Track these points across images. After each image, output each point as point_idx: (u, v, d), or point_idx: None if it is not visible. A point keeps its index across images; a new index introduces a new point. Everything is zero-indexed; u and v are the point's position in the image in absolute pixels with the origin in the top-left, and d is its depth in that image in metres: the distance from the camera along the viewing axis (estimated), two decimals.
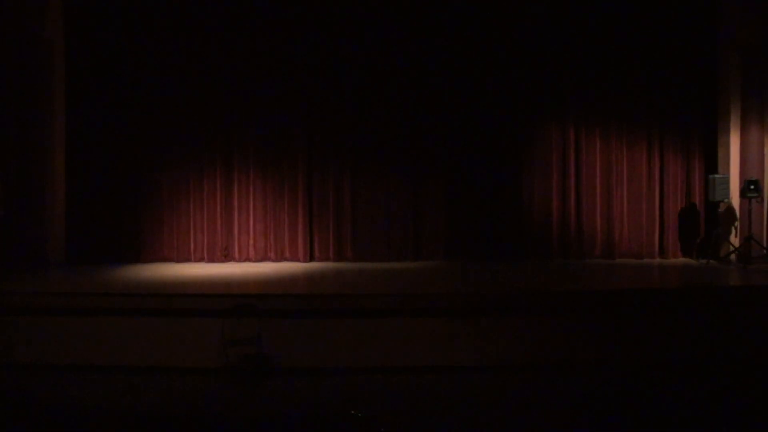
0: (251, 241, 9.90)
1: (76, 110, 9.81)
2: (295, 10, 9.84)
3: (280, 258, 9.88)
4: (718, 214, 9.67)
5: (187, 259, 9.82)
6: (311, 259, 9.89)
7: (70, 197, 9.80)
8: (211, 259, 9.81)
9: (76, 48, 9.80)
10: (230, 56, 9.83)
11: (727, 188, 9.37)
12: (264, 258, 9.88)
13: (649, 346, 6.36)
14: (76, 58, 9.80)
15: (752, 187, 9.17)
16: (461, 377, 5.43)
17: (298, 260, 9.82)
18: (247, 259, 9.86)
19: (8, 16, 9.27)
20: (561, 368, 5.78)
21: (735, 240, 9.49)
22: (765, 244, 9.30)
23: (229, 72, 9.83)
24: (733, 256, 9.37)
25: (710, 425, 3.65)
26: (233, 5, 9.84)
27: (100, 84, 9.80)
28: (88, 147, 9.80)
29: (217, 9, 9.83)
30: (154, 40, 9.80)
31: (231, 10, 9.82)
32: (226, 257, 9.86)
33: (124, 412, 4.16)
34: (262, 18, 9.84)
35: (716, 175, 9.45)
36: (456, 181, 9.91)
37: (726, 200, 9.44)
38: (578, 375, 5.35)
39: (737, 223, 9.52)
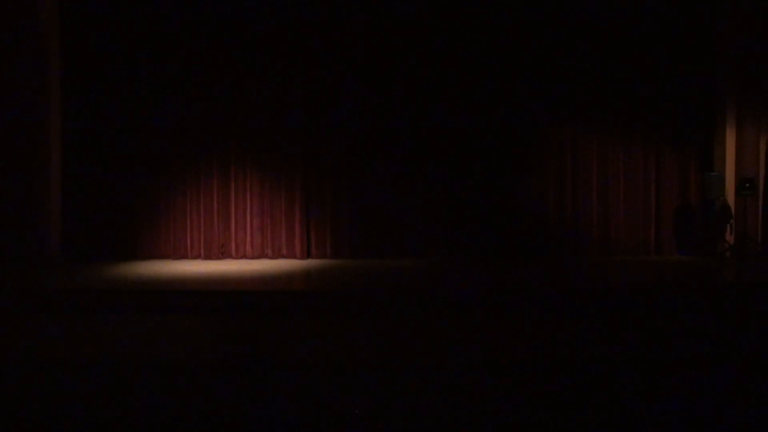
0: (248, 238, 9.90)
1: (73, 106, 9.79)
2: (294, 9, 9.84)
3: (277, 255, 9.89)
4: (713, 212, 9.72)
5: (183, 256, 9.83)
6: (308, 256, 9.89)
7: (66, 194, 9.79)
8: (208, 256, 9.82)
9: (71, 44, 9.78)
10: (228, 53, 9.82)
11: (723, 186, 9.42)
12: (261, 255, 9.89)
13: (645, 344, 6.38)
14: (71, 54, 9.78)
15: (747, 184, 9.23)
16: (460, 376, 5.44)
17: (295, 257, 9.82)
18: (244, 256, 9.86)
19: (1, 11, 9.24)
20: (559, 367, 5.80)
21: (730, 237, 9.54)
22: (760, 241, 9.35)
23: (226, 68, 9.83)
24: (728, 253, 9.41)
25: (707, 423, 3.69)
26: (232, 3, 9.83)
27: (96, 80, 9.78)
28: (85, 143, 9.79)
29: (215, 6, 9.81)
30: (150, 36, 9.78)
31: (229, 8, 9.81)
32: (223, 254, 9.86)
33: (120, 410, 4.17)
34: (260, 15, 9.83)
35: (712, 173, 9.50)
36: (454, 178, 9.91)
37: (721, 198, 9.48)
38: (575, 374, 5.38)
39: (732, 221, 9.57)
